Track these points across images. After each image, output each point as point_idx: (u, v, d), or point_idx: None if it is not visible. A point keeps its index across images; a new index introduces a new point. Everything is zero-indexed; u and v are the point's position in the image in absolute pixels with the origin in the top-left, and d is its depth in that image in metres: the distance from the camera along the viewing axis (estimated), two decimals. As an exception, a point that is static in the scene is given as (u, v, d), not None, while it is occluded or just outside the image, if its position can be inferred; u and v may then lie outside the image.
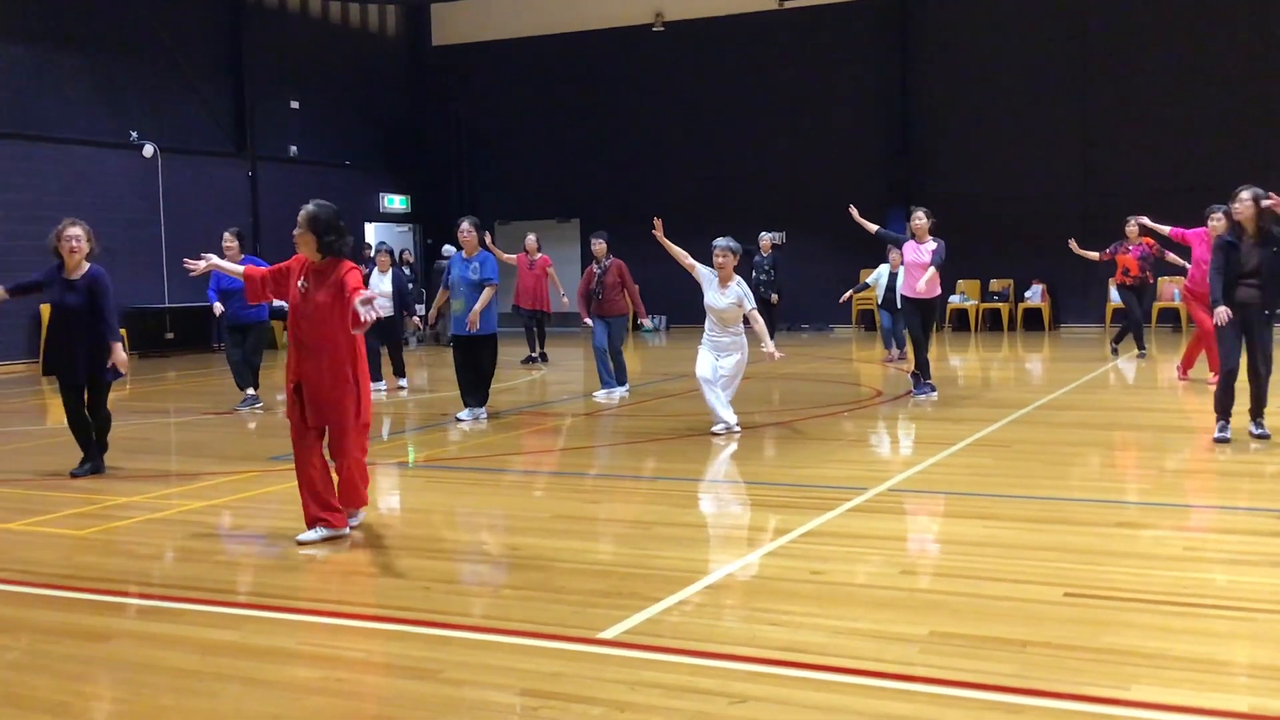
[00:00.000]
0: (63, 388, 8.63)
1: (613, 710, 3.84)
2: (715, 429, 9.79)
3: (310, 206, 6.31)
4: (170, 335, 20.30)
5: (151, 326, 20.29)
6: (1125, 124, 21.82)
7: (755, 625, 4.69)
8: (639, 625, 4.71)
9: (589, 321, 12.97)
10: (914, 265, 11.80)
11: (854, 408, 11.62)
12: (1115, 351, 16.02)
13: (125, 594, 5.39)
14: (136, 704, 4.04)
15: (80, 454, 8.65)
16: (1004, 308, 22.71)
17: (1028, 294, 22.59)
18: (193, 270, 7.33)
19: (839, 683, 4.05)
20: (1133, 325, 15.66)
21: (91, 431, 8.64)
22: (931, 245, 11.75)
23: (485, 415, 11.10)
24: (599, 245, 13.09)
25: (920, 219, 11.84)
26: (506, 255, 15.59)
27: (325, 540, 6.24)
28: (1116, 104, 21.91)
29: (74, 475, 8.49)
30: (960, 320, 23.01)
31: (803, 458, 8.84)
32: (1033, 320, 22.51)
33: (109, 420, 8.79)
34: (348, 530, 6.40)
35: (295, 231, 6.29)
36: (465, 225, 10.92)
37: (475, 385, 11.00)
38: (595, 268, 13.03)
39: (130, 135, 20.45)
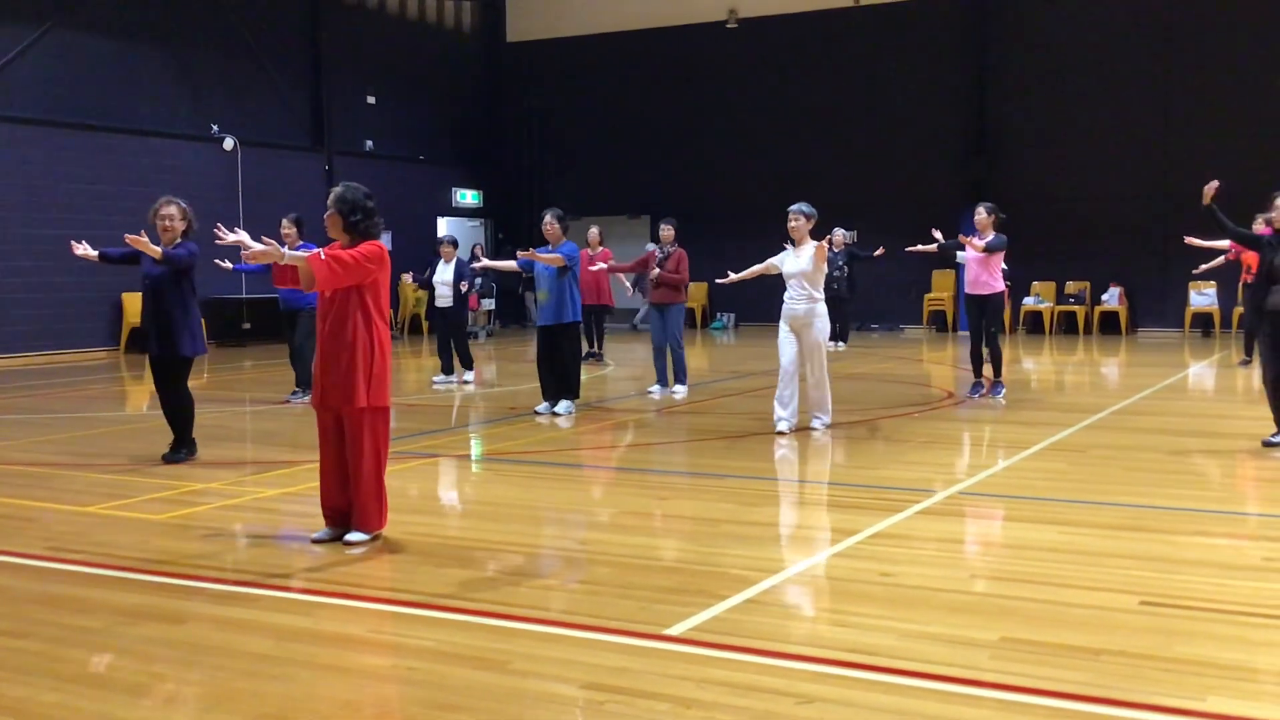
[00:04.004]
0: (150, 364, 8.74)
1: (679, 707, 3.85)
2: (779, 426, 9.73)
3: (338, 187, 6.28)
4: (247, 325, 20.66)
5: (229, 317, 20.69)
6: (1207, 123, 21.34)
7: (822, 626, 4.67)
8: (706, 623, 4.71)
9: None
10: (969, 260, 11.80)
11: (924, 409, 11.51)
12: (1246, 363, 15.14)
13: (201, 578, 5.49)
14: (211, 687, 4.12)
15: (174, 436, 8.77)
16: (1080, 310, 22.35)
17: (1104, 296, 22.23)
18: (222, 239, 7.11)
19: (907, 686, 4.01)
20: (1247, 329, 15.36)
21: (175, 413, 8.70)
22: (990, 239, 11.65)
23: (572, 410, 11.11)
24: (667, 231, 13.05)
25: (980, 214, 11.73)
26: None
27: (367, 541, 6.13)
28: (1198, 102, 21.44)
29: (165, 460, 8.63)
30: (1035, 323, 22.69)
31: (872, 458, 8.77)
32: (1109, 324, 22.13)
33: (187, 404, 8.75)
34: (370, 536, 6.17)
35: (326, 214, 6.24)
36: (548, 217, 11.10)
37: (553, 379, 11.07)
38: (658, 252, 12.96)
39: (211, 128, 20.85)
